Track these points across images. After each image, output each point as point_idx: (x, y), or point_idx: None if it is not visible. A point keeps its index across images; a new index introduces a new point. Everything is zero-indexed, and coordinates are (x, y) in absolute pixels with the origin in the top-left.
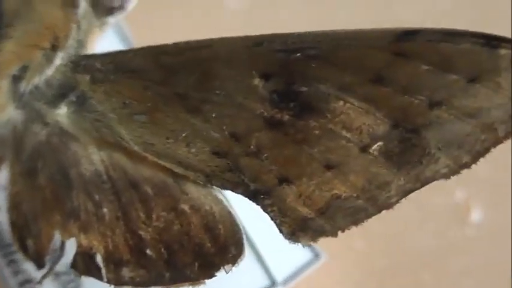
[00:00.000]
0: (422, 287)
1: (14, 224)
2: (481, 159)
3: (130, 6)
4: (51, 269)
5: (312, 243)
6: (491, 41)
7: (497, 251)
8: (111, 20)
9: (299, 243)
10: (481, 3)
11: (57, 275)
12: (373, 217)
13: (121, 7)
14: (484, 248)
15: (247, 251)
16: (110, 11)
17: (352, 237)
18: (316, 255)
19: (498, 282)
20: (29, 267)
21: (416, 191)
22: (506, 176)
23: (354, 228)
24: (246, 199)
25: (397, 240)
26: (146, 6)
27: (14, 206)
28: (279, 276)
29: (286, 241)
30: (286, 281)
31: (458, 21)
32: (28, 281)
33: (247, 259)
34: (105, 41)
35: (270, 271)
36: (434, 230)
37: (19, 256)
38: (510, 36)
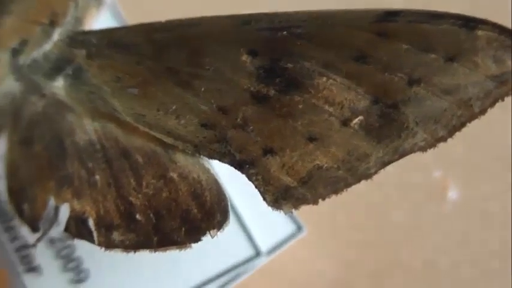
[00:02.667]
0: (399, 261)
1: (11, 190)
2: (458, 140)
3: None
4: (45, 232)
5: (293, 210)
6: (470, 23)
7: (472, 228)
8: None
9: (281, 211)
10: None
11: (52, 241)
12: (355, 193)
13: None
14: (459, 225)
15: (233, 223)
16: None
17: (334, 213)
18: (299, 228)
19: (473, 258)
20: (25, 233)
21: (395, 171)
22: (481, 155)
23: (335, 204)
24: (234, 174)
25: (376, 216)
26: None
27: (11, 173)
28: (264, 247)
29: (271, 214)
30: (270, 251)
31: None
32: (24, 246)
33: (234, 230)
34: (100, 20)
35: (255, 242)
36: (412, 207)
37: (16, 223)
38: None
